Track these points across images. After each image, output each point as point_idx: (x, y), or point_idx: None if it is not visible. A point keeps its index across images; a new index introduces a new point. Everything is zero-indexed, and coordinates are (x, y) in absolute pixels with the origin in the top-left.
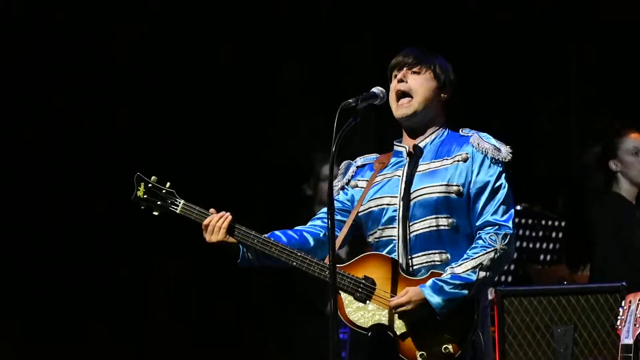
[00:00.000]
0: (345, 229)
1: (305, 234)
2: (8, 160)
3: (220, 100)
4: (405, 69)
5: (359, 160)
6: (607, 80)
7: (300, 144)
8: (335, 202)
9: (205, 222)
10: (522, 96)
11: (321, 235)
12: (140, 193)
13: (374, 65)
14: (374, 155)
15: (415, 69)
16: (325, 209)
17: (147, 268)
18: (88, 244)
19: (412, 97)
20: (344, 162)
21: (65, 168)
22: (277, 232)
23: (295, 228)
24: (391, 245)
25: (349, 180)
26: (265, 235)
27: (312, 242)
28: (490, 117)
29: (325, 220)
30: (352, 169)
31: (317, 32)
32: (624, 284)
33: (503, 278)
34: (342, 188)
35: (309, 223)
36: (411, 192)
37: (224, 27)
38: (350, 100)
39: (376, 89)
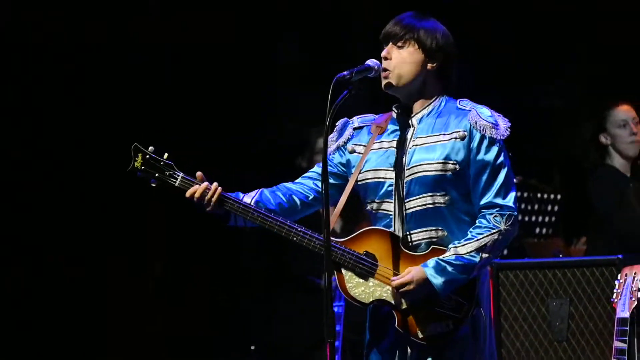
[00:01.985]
0: (343, 200)
1: (294, 197)
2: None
3: (216, 79)
4: (390, 43)
5: (356, 121)
6: (611, 60)
7: (297, 121)
8: (328, 162)
9: (192, 190)
10: (526, 75)
11: (310, 198)
12: (137, 164)
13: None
14: (371, 117)
15: (399, 43)
16: (316, 168)
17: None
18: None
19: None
20: (341, 120)
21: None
22: (266, 192)
23: (283, 186)
24: (387, 220)
25: (346, 142)
26: (254, 195)
27: (299, 206)
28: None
29: (317, 184)
30: (349, 130)
31: (315, 11)
32: (619, 257)
33: None
34: (338, 148)
35: (299, 180)
36: (408, 167)
37: (221, 6)
38: (345, 73)
39: (370, 62)
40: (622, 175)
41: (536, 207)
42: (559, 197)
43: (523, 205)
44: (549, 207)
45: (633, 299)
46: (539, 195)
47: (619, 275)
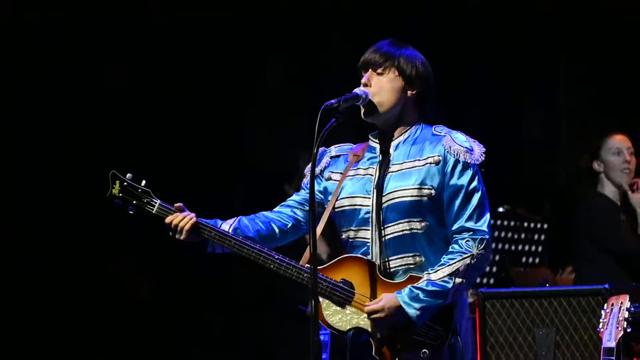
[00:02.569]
0: (321, 226)
1: (272, 225)
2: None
3: (202, 101)
4: (370, 70)
5: (334, 150)
6: (596, 88)
7: (283, 144)
8: (305, 190)
9: (167, 220)
10: (512, 102)
11: (288, 226)
12: (115, 191)
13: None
14: (349, 146)
15: (379, 70)
16: (294, 197)
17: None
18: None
19: None
20: (320, 149)
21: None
22: (244, 220)
23: (262, 214)
24: (365, 248)
25: (322, 170)
26: (232, 222)
27: (277, 234)
28: (480, 120)
29: (295, 211)
30: (326, 158)
31: (301, 32)
32: (606, 286)
33: (485, 280)
34: (316, 177)
35: (277, 208)
36: (384, 194)
37: (208, 27)
38: (333, 101)
39: (358, 90)
40: (613, 203)
41: (523, 236)
42: (545, 226)
43: (510, 235)
44: (536, 236)
45: (619, 328)
46: (525, 224)
47: (605, 305)
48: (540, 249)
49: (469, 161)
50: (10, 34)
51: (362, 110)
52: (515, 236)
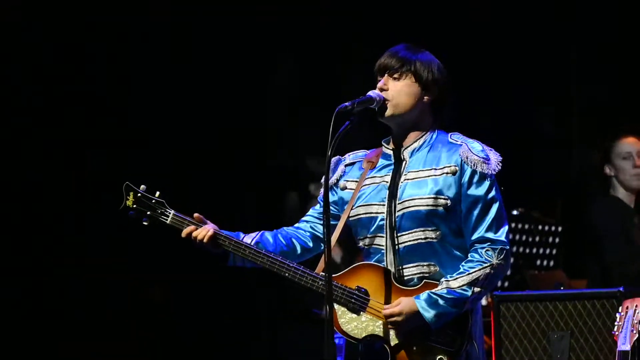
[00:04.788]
0: (336, 235)
1: (294, 241)
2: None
3: (214, 105)
4: (386, 75)
5: (348, 158)
6: (608, 83)
7: (294, 150)
8: (321, 203)
9: (184, 232)
10: (522, 100)
11: (309, 244)
12: (129, 202)
13: (371, 69)
14: (362, 152)
15: (395, 75)
16: (311, 212)
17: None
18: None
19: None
20: (334, 158)
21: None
22: (266, 234)
23: (284, 230)
24: (379, 255)
25: (337, 180)
26: (254, 236)
27: (299, 250)
28: (489, 120)
29: (314, 227)
30: (341, 167)
31: (313, 37)
32: (621, 289)
33: (499, 283)
34: (330, 188)
35: (297, 225)
36: (399, 202)
37: (217, 30)
38: (347, 104)
39: (372, 93)
40: (626, 206)
41: (537, 239)
42: (560, 229)
43: (524, 237)
44: (551, 239)
45: (634, 331)
46: (540, 227)
47: (620, 308)
48: (554, 251)
49: (486, 171)
50: None
51: (378, 111)
52: (530, 239)
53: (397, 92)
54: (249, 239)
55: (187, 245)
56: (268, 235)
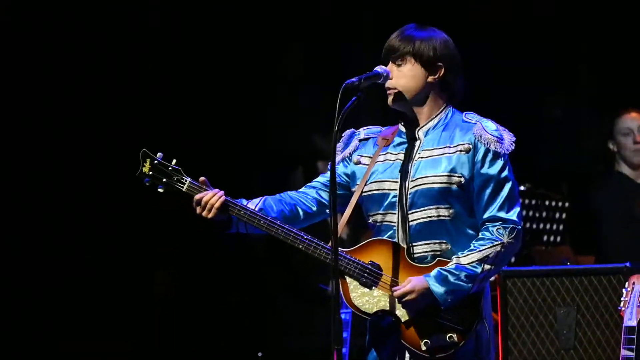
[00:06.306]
0: (348, 211)
1: (297, 207)
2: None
3: (221, 86)
4: (390, 62)
5: (362, 133)
6: (617, 70)
7: (302, 128)
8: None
9: (197, 197)
10: (531, 85)
11: (313, 209)
12: (145, 169)
13: (377, 48)
14: (378, 128)
15: (398, 61)
16: (319, 178)
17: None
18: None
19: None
20: (347, 130)
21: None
22: (269, 200)
23: (287, 195)
24: (391, 232)
25: (351, 154)
26: (258, 202)
27: (302, 216)
28: (498, 103)
29: (320, 194)
30: (355, 142)
31: (319, 17)
32: (627, 265)
33: None
34: (343, 159)
35: (302, 189)
36: (412, 179)
37: (226, 13)
38: (354, 79)
39: (379, 68)
40: (631, 181)
41: (544, 214)
42: (567, 204)
43: (531, 213)
44: (557, 215)
45: None
46: (547, 202)
47: (627, 284)
48: (561, 227)
49: (499, 150)
50: None
51: (389, 99)
52: (537, 214)
53: (401, 79)
54: (252, 205)
55: (186, 243)
56: (270, 200)
